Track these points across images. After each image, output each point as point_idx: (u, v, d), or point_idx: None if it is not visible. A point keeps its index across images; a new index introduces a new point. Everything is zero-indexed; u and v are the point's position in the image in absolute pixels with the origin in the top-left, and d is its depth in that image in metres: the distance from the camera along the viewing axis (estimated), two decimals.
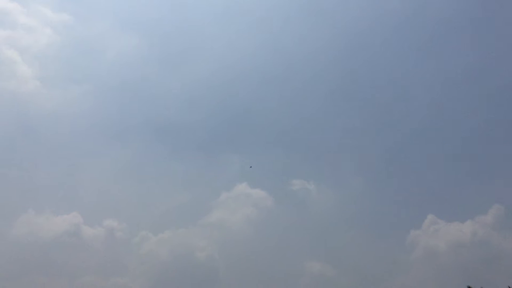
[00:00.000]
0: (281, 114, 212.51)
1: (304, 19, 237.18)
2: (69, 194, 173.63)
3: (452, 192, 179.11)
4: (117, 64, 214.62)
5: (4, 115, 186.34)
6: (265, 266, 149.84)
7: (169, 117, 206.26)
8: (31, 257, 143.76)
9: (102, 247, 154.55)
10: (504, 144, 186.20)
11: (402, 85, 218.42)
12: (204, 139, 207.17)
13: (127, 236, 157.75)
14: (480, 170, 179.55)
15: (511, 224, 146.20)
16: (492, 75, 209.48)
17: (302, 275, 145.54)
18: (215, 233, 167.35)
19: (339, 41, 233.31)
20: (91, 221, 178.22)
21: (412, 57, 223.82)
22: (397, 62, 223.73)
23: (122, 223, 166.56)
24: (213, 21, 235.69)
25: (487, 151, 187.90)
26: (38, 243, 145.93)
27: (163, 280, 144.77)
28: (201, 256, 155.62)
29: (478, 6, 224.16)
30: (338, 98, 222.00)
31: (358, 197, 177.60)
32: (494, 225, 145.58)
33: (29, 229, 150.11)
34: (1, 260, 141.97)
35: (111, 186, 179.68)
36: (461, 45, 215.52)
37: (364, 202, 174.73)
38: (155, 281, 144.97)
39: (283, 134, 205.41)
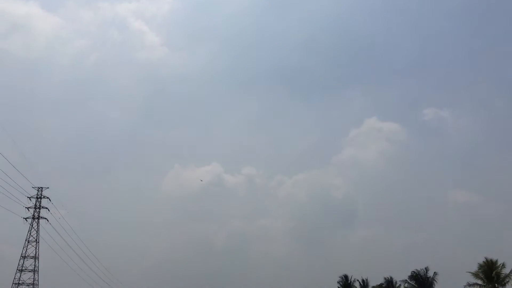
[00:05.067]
0: (405, 40, 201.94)
1: None
2: (208, 147, 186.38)
3: None
4: (234, 18, 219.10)
5: (139, 84, 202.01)
6: (405, 199, 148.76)
7: (290, 62, 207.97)
8: (183, 207, 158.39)
9: (244, 193, 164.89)
10: None
11: None
12: (327, 78, 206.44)
13: (264, 181, 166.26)
14: None
15: None
16: None
17: (446, 205, 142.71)
18: (349, 171, 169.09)
19: None
20: (231, 170, 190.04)
21: None
22: None
23: (259, 170, 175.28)
24: None
25: None
26: (188, 194, 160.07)
27: (303, 220, 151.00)
28: (337, 195, 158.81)
29: None
30: (468, 11, 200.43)
31: (502, 118, 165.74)
32: None
33: (178, 182, 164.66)
34: (157, 211, 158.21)
35: (245, 135, 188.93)
36: None
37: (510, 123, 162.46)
38: (295, 221, 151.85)
39: (410, 61, 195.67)
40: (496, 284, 64.10)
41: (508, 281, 63.89)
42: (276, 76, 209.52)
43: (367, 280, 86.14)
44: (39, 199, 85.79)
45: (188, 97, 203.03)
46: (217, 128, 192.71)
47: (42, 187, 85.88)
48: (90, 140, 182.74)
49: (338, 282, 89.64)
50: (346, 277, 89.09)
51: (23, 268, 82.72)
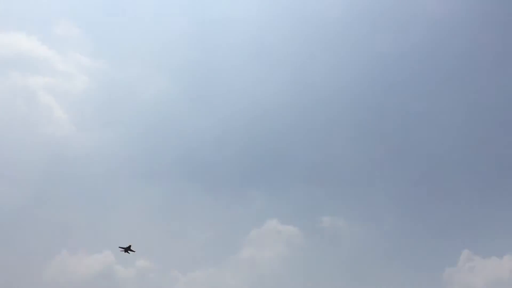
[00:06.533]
0: (308, 150, 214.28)
1: (329, 53, 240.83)
2: (102, 234, 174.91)
3: (488, 225, 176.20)
4: (149, 106, 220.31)
5: (40, 159, 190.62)
6: None
7: (198, 156, 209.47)
8: None
9: None
10: None
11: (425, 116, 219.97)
12: (233, 176, 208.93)
13: (158, 276, 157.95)
14: None
15: None
16: None
17: None
18: (246, 272, 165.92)
19: (364, 76, 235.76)
20: (124, 261, 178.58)
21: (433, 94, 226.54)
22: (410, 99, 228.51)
23: (154, 263, 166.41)
24: (240, 60, 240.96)
25: None
26: (72, 285, 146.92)
27: None
28: None
29: None
30: (364, 131, 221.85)
31: (390, 232, 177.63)
32: None
33: (63, 270, 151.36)
34: None
35: (143, 225, 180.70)
36: None
37: (397, 237, 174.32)
38: None
39: (311, 170, 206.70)
40: None
41: None
42: (182, 169, 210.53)
43: None
44: None
45: (88, 179, 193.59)
46: (115, 215, 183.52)
47: None
48: None
49: None
50: None
51: None
